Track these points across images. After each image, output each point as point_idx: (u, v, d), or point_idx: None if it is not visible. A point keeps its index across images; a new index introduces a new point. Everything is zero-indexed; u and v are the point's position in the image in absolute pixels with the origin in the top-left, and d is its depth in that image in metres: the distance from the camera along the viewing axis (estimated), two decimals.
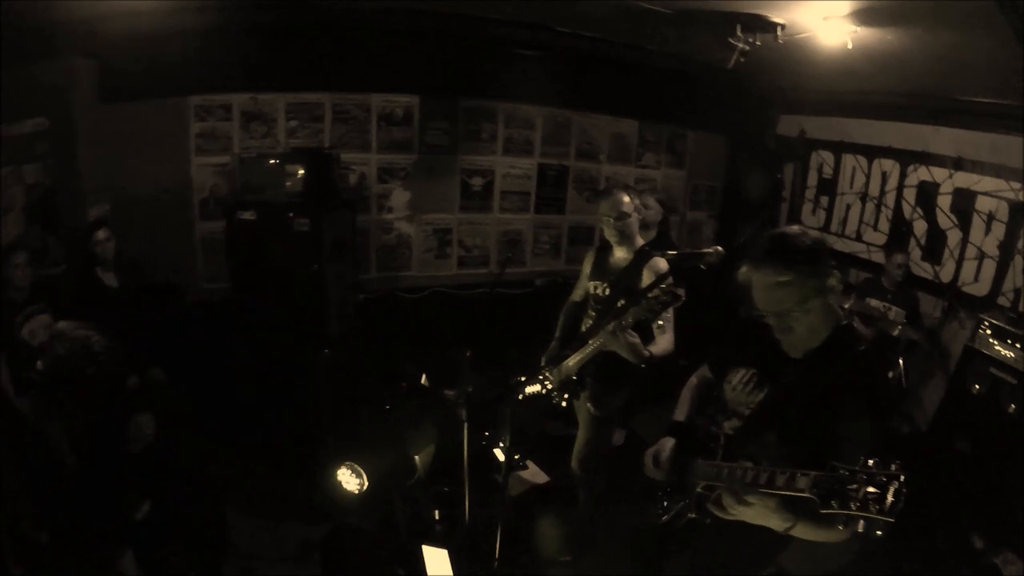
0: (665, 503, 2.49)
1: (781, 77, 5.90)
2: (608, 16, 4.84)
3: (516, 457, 4.56)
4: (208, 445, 4.12)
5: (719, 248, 2.84)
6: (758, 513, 1.90)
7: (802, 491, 1.71)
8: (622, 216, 3.59)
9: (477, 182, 6.23)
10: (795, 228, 2.14)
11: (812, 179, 6.70)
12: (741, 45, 4.19)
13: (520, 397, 3.89)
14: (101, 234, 4.66)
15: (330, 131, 5.67)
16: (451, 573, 3.40)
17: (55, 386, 2.32)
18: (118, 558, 2.27)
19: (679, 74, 6.16)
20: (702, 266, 2.95)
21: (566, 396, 3.73)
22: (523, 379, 3.56)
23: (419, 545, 3.48)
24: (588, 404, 3.74)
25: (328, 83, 5.65)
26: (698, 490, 2.33)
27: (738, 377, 2.40)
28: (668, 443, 2.47)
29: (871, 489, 1.52)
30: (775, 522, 1.90)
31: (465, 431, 3.32)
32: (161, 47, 4.92)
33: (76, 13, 4.42)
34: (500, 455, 4.40)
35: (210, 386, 4.66)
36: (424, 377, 4.76)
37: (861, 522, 1.54)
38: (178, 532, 2.65)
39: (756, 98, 6.61)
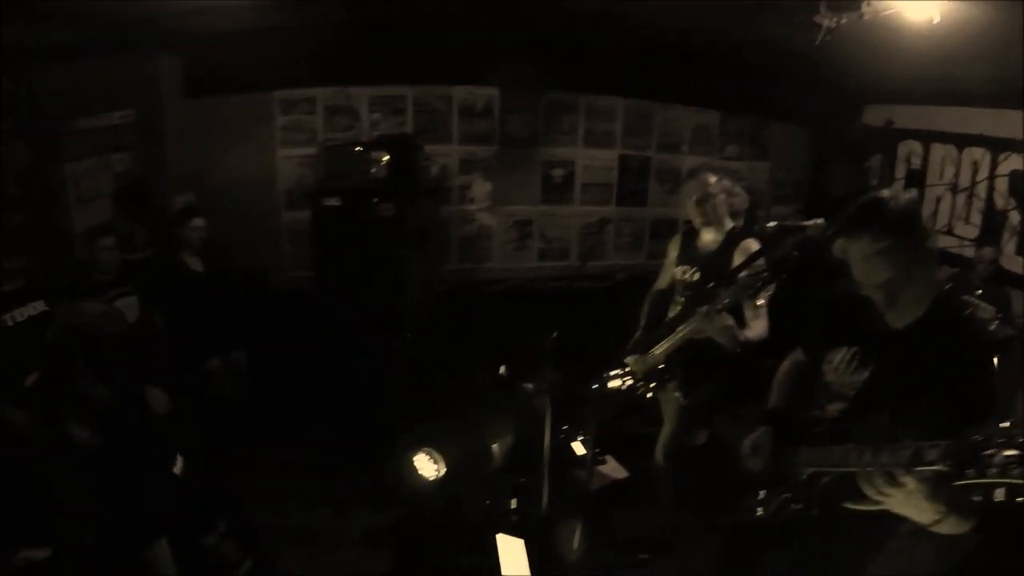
0: (762, 496, 2.36)
1: (866, 64, 5.62)
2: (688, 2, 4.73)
3: (595, 451, 4.48)
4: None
5: (820, 221, 2.69)
6: (907, 499, 1.70)
7: (933, 463, 1.57)
8: (708, 196, 3.47)
9: (558, 174, 6.16)
10: (886, 192, 2.02)
11: (900, 171, 6.36)
12: (827, 23, 4.05)
13: (600, 391, 3.85)
14: (198, 221, 4.80)
15: (412, 123, 5.71)
16: (526, 564, 3.34)
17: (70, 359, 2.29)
18: (151, 544, 2.19)
19: (761, 63, 5.94)
20: (796, 252, 2.81)
21: (652, 386, 3.62)
22: (605, 374, 3.51)
23: (493, 535, 3.44)
24: (676, 394, 3.62)
25: (410, 76, 5.70)
26: (803, 479, 2.20)
27: (839, 357, 2.26)
28: (767, 431, 2.37)
29: (1010, 452, 1.37)
30: (926, 511, 1.70)
31: (548, 422, 3.23)
32: (245, 43, 5.05)
33: (162, 8, 4.55)
34: (579, 448, 4.34)
35: (291, 371, 4.76)
36: (503, 368, 4.72)
37: (1000, 491, 1.40)
38: (221, 514, 2.60)
39: (840, 87, 6.33)
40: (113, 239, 4.48)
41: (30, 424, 3.63)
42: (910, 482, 1.65)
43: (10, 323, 4.05)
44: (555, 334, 3.80)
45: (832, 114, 6.65)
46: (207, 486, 2.56)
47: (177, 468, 2.34)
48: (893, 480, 1.68)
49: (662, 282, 3.93)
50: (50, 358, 2.33)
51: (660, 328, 3.63)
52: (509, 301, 5.99)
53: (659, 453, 3.83)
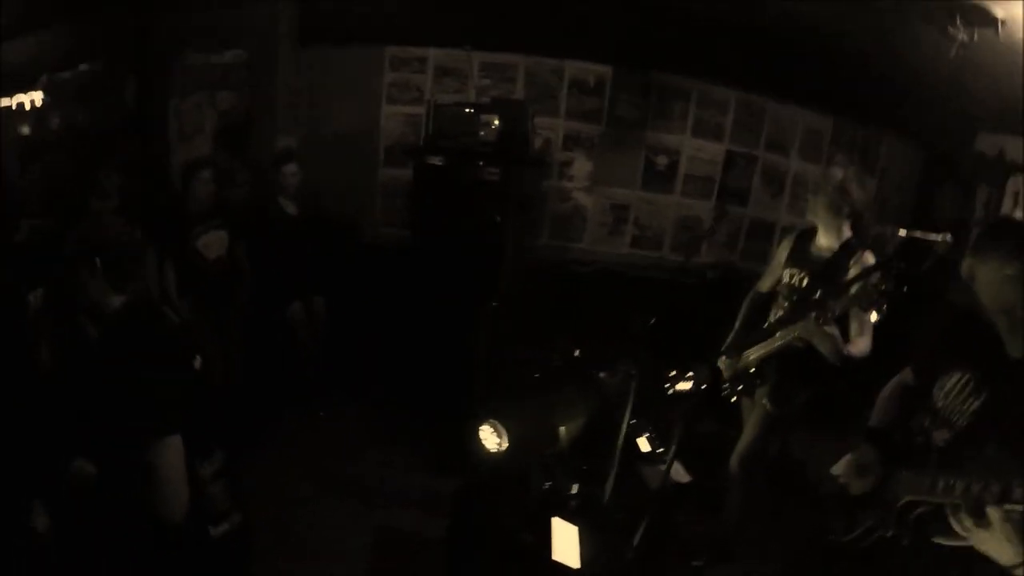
0: (853, 518, 2.23)
1: (985, 87, 5.23)
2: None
3: (660, 451, 4.37)
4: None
5: (948, 236, 2.49)
6: (991, 537, 1.66)
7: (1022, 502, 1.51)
8: (840, 191, 3.29)
9: (662, 161, 5.95)
10: (1021, 214, 1.93)
11: (1007, 206, 5.88)
12: (961, 36, 3.81)
13: (673, 390, 3.74)
14: (290, 168, 4.87)
15: (522, 93, 5.63)
16: (577, 550, 3.26)
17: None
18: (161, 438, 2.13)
19: (886, 73, 5.58)
20: (918, 267, 2.64)
21: (740, 389, 3.48)
22: (676, 373, 3.46)
23: (550, 516, 3.37)
24: (765, 400, 3.46)
25: (524, 45, 5.62)
26: (898, 505, 2.07)
27: (952, 382, 2.10)
28: (869, 451, 2.25)
29: None
30: (1008, 551, 1.64)
31: (628, 412, 3.13)
32: None
33: None
34: (644, 445, 4.22)
35: (370, 325, 4.78)
36: (577, 351, 4.63)
37: None
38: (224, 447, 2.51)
39: (959, 109, 5.89)
40: (210, 173, 4.57)
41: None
42: (995, 518, 1.62)
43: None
44: (653, 321, 3.70)
45: (947, 137, 6.22)
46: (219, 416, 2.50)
47: (196, 364, 2.31)
48: (980, 515, 1.66)
49: (765, 284, 3.75)
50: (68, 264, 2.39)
51: (758, 331, 3.48)
52: (595, 285, 5.86)
53: (735, 460, 3.67)
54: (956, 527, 1.74)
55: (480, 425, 3.82)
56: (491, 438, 3.81)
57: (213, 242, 4.54)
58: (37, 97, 6.01)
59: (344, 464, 4.39)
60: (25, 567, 3.09)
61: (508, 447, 3.77)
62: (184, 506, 2.15)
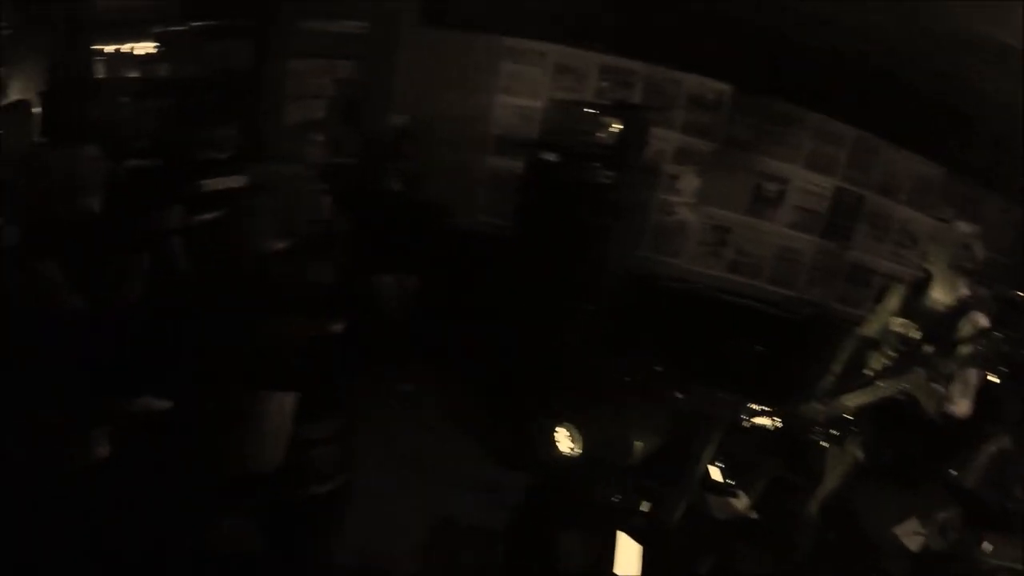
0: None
1: None
2: (945, 45, 4.32)
3: (731, 483, 4.29)
4: None
5: None
6: None
7: None
8: (965, 247, 3.18)
9: (771, 188, 5.80)
10: None
11: None
12: None
13: (751, 423, 3.66)
14: (408, 145, 4.93)
15: (639, 100, 5.56)
16: (639, 568, 3.23)
17: None
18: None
19: (1002, 128, 5.32)
20: None
21: (832, 433, 3.38)
22: (754, 406, 3.38)
23: (614, 529, 3.33)
24: (857, 449, 3.35)
25: (646, 52, 5.55)
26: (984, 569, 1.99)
27: None
28: (958, 514, 2.17)
29: None
30: None
31: (713, 438, 3.07)
32: None
33: None
34: (716, 474, 4.14)
35: (459, 311, 4.81)
36: (660, 367, 4.57)
37: None
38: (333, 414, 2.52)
39: None
40: (323, 137, 4.65)
41: None
42: None
43: (207, 190, 4.31)
44: (758, 350, 3.63)
45: None
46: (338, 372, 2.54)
47: (336, 327, 2.35)
48: None
49: (870, 329, 3.62)
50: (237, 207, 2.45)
51: (857, 377, 3.37)
52: (687, 304, 5.73)
53: (814, 506, 3.56)
54: None
55: (556, 426, 3.81)
56: (565, 441, 3.80)
57: (319, 207, 4.63)
58: (148, 46, 6.30)
59: (412, 441, 4.43)
60: (79, 495, 3.25)
61: (580, 452, 3.75)
62: (276, 461, 2.20)
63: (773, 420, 3.52)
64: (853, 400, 3.24)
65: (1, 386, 3.93)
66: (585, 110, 4.96)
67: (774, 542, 3.95)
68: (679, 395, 4.28)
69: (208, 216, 3.90)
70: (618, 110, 4.97)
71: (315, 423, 2.28)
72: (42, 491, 2.92)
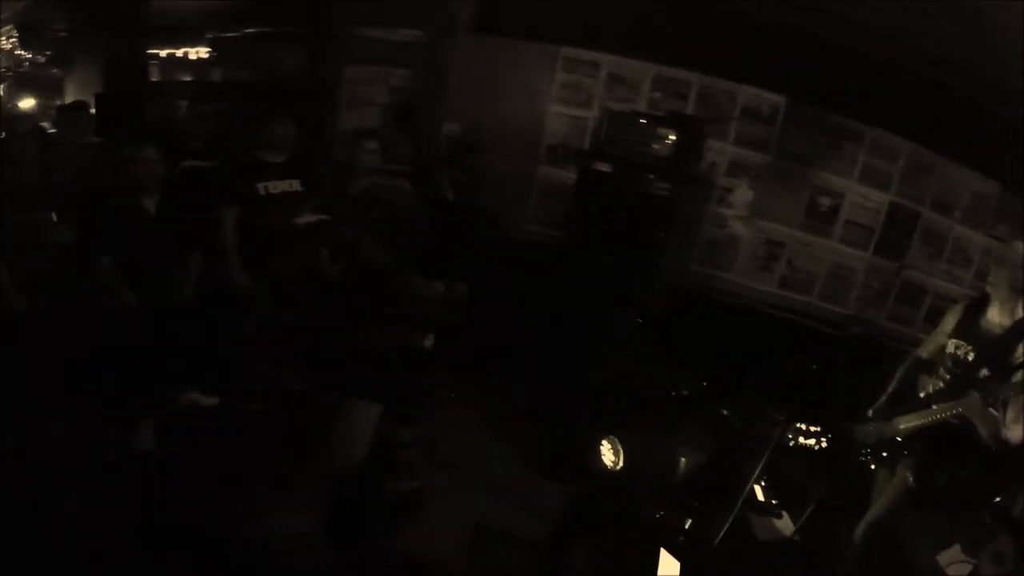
0: None
1: None
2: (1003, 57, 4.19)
3: (773, 503, 4.21)
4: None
5: None
6: None
7: None
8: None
9: (825, 202, 5.70)
10: None
11: None
12: None
13: (796, 442, 3.59)
14: (463, 159, 4.96)
15: (692, 111, 5.52)
16: None
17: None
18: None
19: None
20: None
21: (883, 457, 3.30)
22: (800, 425, 3.33)
23: (656, 548, 3.30)
24: (908, 474, 3.27)
25: (700, 64, 5.52)
26: None
27: None
28: (1010, 541, 2.11)
29: None
30: None
31: (759, 458, 3.04)
32: None
33: None
34: (759, 493, 4.07)
35: (505, 320, 4.81)
36: (706, 383, 4.51)
37: None
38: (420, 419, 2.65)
39: None
40: (377, 144, 4.70)
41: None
42: None
43: (263, 192, 4.37)
44: (813, 368, 3.58)
45: None
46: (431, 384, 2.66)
47: (428, 342, 2.46)
48: None
49: (927, 350, 3.53)
50: (349, 210, 2.55)
51: (911, 399, 3.30)
52: (736, 319, 5.65)
53: (861, 530, 3.49)
54: None
55: (600, 439, 3.78)
56: (608, 454, 3.76)
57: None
58: (202, 51, 6.46)
59: (454, 448, 4.44)
60: (124, 483, 3.35)
61: (623, 466, 3.72)
62: (360, 462, 2.31)
63: (821, 440, 3.46)
64: (906, 423, 3.17)
65: (57, 379, 4.10)
66: (640, 121, 4.92)
67: (815, 565, 3.88)
68: (725, 412, 4.24)
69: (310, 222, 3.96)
70: (673, 121, 4.94)
71: (402, 427, 2.52)
72: (91, 481, 3.06)
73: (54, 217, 3.86)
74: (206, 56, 6.49)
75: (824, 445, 3.45)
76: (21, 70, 7.17)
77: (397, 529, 2.69)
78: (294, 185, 4.48)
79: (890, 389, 3.57)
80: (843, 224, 5.75)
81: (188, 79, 6.65)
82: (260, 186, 4.37)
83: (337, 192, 4.45)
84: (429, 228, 4.87)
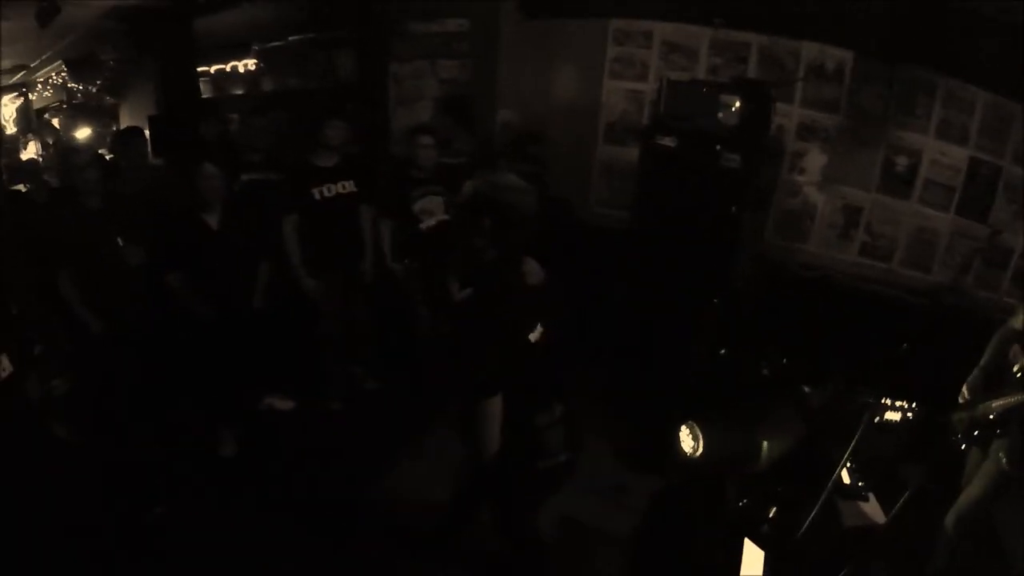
0: None
1: None
2: None
3: (860, 485, 4.05)
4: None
5: None
6: None
7: None
8: None
9: (902, 162, 5.34)
10: None
11: None
12: None
13: (881, 419, 3.42)
14: (535, 148, 4.87)
15: (755, 74, 5.25)
16: None
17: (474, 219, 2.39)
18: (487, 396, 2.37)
19: None
20: None
21: (974, 438, 3.13)
22: (886, 400, 3.13)
23: (742, 539, 3.20)
24: (1001, 456, 3.09)
25: (759, 23, 5.22)
26: None
27: None
28: None
29: None
30: None
31: (854, 442, 2.91)
32: None
33: None
34: (845, 476, 3.92)
35: (578, 304, 4.72)
36: (786, 359, 4.34)
37: None
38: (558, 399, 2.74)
39: None
40: (432, 139, 4.67)
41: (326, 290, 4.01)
42: None
43: (318, 196, 4.40)
44: (905, 346, 3.42)
45: None
46: (554, 367, 2.72)
47: (534, 335, 2.47)
48: None
49: (1019, 321, 3.33)
50: (457, 216, 2.55)
51: (1006, 376, 3.11)
52: (817, 292, 5.37)
53: (952, 517, 3.34)
54: None
55: (679, 426, 3.69)
56: (688, 440, 3.65)
57: (430, 207, 4.66)
58: (250, 63, 6.55)
59: None
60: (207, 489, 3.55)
61: (703, 453, 3.61)
62: (495, 451, 2.44)
63: (911, 419, 3.29)
64: (999, 402, 3.01)
65: (141, 396, 4.24)
66: (700, 89, 4.70)
67: (907, 552, 3.73)
68: (808, 390, 4.08)
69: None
70: (736, 86, 4.68)
71: (543, 412, 2.59)
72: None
73: (120, 242, 3.96)
74: (254, 68, 6.56)
75: (914, 424, 3.28)
76: (75, 102, 7.43)
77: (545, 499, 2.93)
78: (348, 186, 4.53)
79: (981, 363, 3.38)
80: (923, 184, 5.39)
81: (239, 92, 6.73)
82: (315, 191, 4.41)
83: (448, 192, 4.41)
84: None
